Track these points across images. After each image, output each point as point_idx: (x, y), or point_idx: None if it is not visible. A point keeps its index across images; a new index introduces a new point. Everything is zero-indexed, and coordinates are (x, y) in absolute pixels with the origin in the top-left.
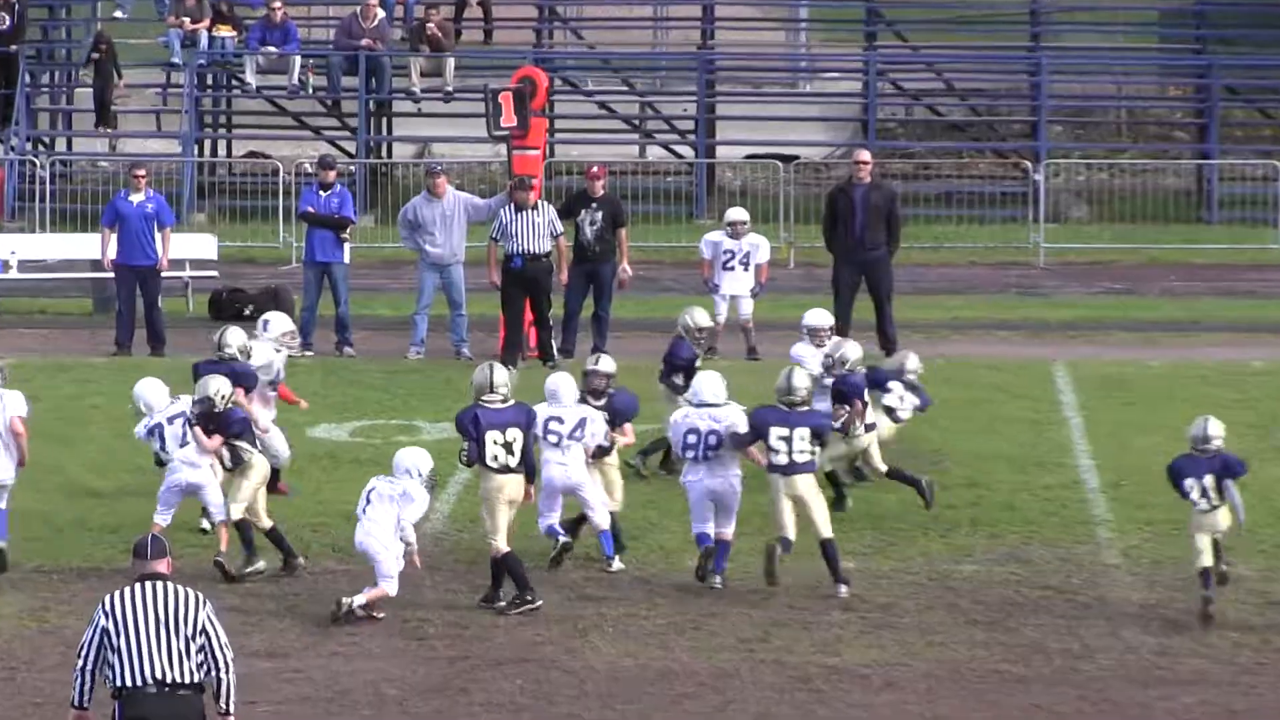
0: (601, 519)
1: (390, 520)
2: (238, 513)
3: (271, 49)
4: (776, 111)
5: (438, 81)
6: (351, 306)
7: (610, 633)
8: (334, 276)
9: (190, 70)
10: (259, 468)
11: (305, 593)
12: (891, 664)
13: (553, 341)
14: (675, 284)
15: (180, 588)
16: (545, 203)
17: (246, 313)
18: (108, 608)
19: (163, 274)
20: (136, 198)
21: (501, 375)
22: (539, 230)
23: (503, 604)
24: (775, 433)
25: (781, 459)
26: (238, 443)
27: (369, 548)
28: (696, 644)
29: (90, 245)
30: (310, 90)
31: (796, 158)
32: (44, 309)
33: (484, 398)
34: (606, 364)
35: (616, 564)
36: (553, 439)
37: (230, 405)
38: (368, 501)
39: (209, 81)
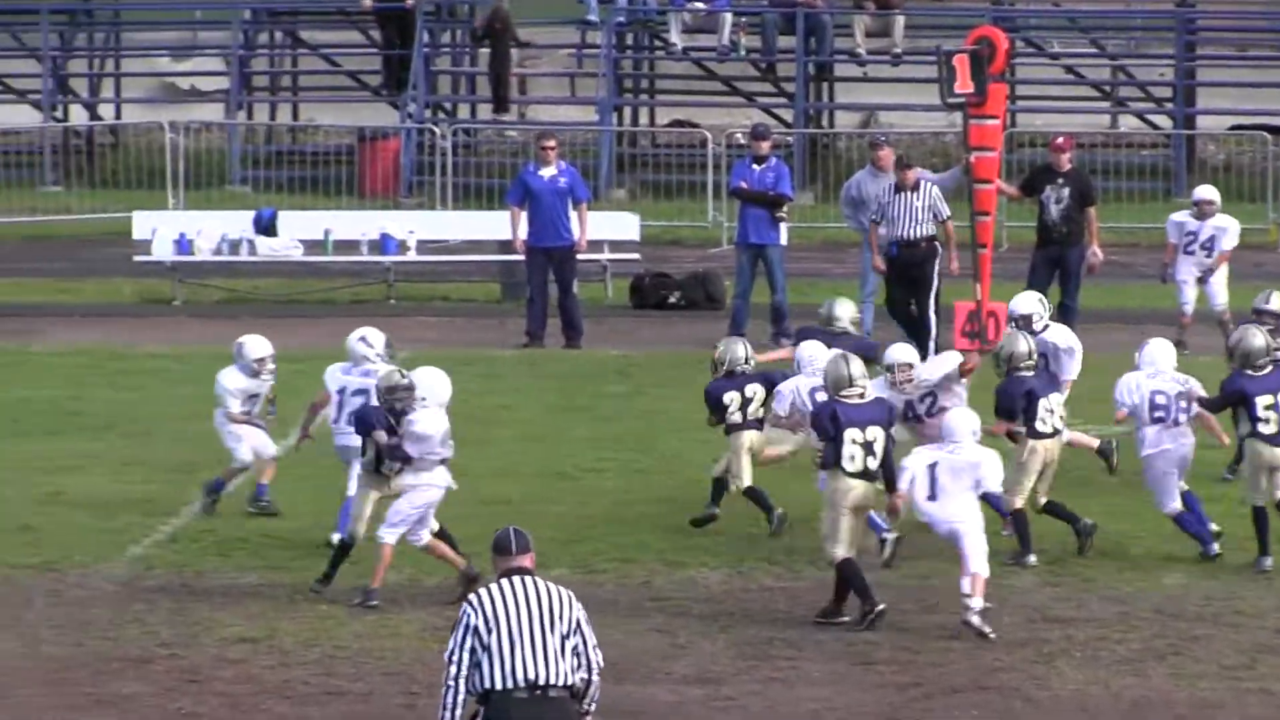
0: None
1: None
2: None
3: (699, 5)
4: (1265, 77)
5: (885, 42)
6: (789, 293)
7: (1079, 658)
8: (769, 260)
9: (608, 29)
10: None
11: (738, 611)
12: None
13: (928, 343)
14: (1149, 269)
15: (550, 584)
16: (928, 184)
17: (672, 300)
18: (476, 604)
19: (579, 256)
20: (547, 172)
21: (859, 367)
22: (917, 215)
23: (852, 619)
24: (1262, 401)
25: (1270, 428)
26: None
27: (954, 527)
28: (1176, 670)
29: (497, 224)
30: (743, 52)
31: None
32: (445, 295)
33: (842, 393)
34: None
35: (890, 540)
36: None
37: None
38: (932, 479)
39: (629, 42)
